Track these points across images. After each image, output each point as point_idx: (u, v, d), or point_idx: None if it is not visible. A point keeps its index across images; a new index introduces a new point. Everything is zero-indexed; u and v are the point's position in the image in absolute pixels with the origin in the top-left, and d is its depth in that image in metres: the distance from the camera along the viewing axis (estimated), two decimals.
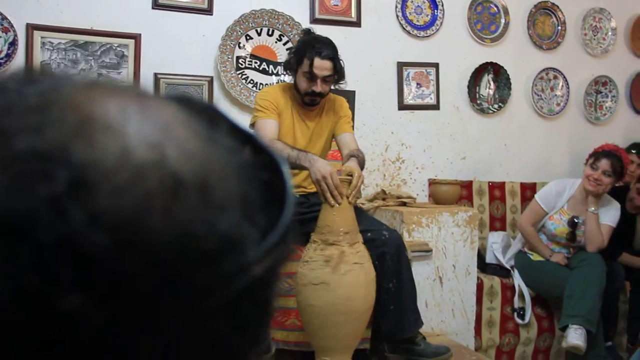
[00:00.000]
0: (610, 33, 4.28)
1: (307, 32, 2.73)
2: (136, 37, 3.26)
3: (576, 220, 3.30)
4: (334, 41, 2.61)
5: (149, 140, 0.27)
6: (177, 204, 0.27)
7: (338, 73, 2.58)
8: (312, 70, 2.52)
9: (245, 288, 0.29)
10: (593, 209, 3.26)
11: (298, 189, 2.70)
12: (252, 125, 2.61)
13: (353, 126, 3.46)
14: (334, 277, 2.10)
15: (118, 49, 3.23)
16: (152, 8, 3.30)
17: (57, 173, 0.25)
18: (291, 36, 3.47)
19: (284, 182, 0.33)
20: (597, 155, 3.26)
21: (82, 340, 0.25)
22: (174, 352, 0.27)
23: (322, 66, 2.52)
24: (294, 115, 2.67)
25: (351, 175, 2.26)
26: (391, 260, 2.49)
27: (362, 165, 2.51)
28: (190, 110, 0.32)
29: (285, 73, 3.07)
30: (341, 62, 2.59)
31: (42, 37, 3.09)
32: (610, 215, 3.33)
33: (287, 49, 3.21)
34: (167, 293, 0.26)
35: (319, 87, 2.54)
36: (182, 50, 3.35)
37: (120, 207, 0.26)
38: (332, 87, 2.65)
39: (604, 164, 3.20)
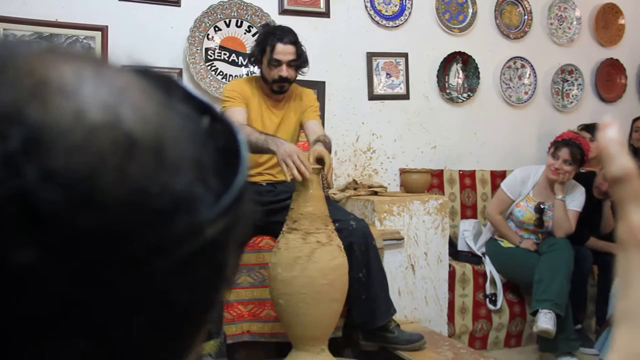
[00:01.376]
0: (575, 22, 4.34)
1: (266, 24, 2.81)
2: (103, 29, 3.21)
3: (542, 206, 3.35)
4: (303, 32, 2.66)
5: (103, 102, 0.28)
6: (130, 163, 0.27)
7: (300, 57, 2.63)
8: (276, 56, 2.57)
9: (198, 250, 0.29)
10: (560, 196, 3.32)
11: (265, 177, 2.71)
12: None
13: (323, 116, 3.51)
14: (306, 265, 2.11)
15: (84, 41, 3.19)
16: (119, 0, 3.26)
17: (11, 132, 0.25)
18: (259, 27, 3.45)
19: (238, 149, 0.33)
20: (558, 144, 3.31)
21: (35, 296, 0.26)
22: (125, 310, 0.28)
23: (285, 51, 2.59)
24: (262, 105, 2.69)
25: (320, 160, 2.30)
26: (359, 250, 2.50)
27: (328, 149, 2.53)
28: (147, 78, 0.33)
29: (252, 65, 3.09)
30: (302, 47, 2.65)
31: (4, 29, 3.03)
32: (576, 200, 3.39)
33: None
34: (120, 250, 0.27)
35: (284, 72, 2.59)
36: (150, 42, 3.31)
37: (74, 166, 0.26)
38: (297, 74, 2.69)
39: (564, 152, 3.25)
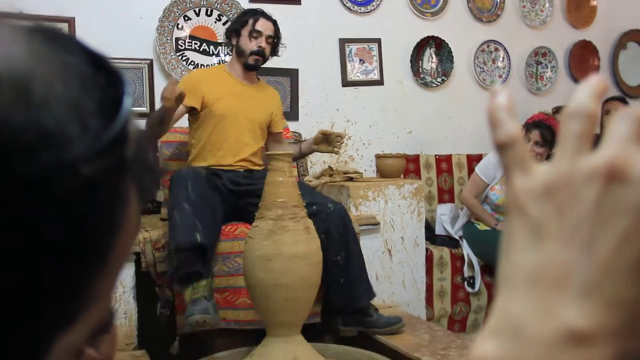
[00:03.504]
0: (547, 4, 4.35)
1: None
2: (70, 21, 3.17)
3: None
4: (274, 19, 2.79)
5: None
6: None
7: (277, 37, 2.79)
8: (258, 28, 2.72)
9: (74, 188, 0.29)
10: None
11: (243, 164, 2.75)
12: None
13: (297, 104, 3.60)
14: (279, 251, 2.10)
15: None
16: None
17: None
18: (230, 15, 3.42)
19: (122, 95, 0.33)
20: (528, 126, 3.33)
21: None
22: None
23: (266, 26, 2.75)
24: (225, 85, 2.77)
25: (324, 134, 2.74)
26: (337, 233, 2.51)
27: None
28: (29, 28, 0.33)
29: (227, 49, 3.25)
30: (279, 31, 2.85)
31: None
32: None
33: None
34: None
35: (263, 43, 2.73)
36: (119, 33, 3.27)
37: None
38: (270, 57, 2.84)
39: (535, 134, 3.27)
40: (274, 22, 2.78)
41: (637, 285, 0.29)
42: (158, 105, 3.31)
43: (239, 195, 2.62)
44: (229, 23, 3.35)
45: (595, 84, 0.32)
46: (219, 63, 3.38)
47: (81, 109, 0.30)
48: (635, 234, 0.29)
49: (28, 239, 0.28)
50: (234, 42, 2.79)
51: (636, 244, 0.29)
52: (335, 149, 2.82)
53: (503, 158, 0.33)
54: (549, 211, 0.30)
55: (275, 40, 2.79)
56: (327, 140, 2.81)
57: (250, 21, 2.72)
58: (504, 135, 0.33)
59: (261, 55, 2.75)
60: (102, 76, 0.33)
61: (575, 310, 0.29)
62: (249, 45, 2.73)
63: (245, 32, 2.73)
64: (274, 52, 2.82)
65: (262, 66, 2.92)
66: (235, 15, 3.03)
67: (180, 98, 2.39)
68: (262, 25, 2.73)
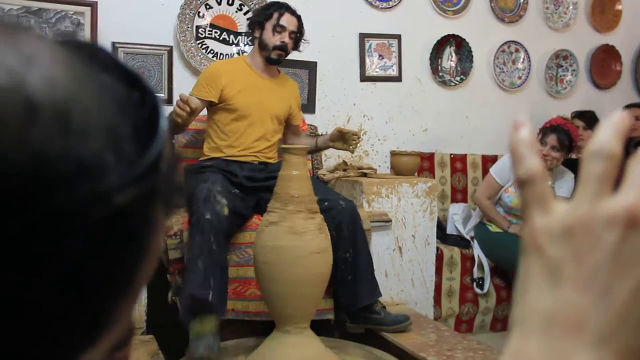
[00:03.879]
0: (571, 7, 4.31)
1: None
2: (92, 5, 3.18)
3: None
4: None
5: (8, 66, 0.28)
6: (31, 128, 0.27)
7: (300, 32, 2.78)
8: (282, 22, 2.71)
9: (107, 217, 0.29)
10: (549, 182, 3.30)
11: (258, 158, 2.76)
12: None
13: (314, 97, 3.60)
14: (290, 244, 2.11)
15: (74, 16, 3.15)
16: None
17: None
18: (251, 5, 3.42)
19: (158, 120, 0.33)
20: (546, 130, 3.30)
21: None
22: (30, 277, 0.28)
23: (291, 20, 2.74)
24: (246, 79, 2.76)
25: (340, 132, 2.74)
26: (347, 230, 2.51)
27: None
28: (68, 45, 0.33)
29: (247, 39, 3.27)
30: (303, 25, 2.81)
31: None
32: (564, 187, 3.39)
33: (247, 19, 3.18)
34: (18, 214, 0.27)
35: (287, 38, 2.72)
36: (141, 19, 3.28)
37: None
38: (291, 51, 2.83)
39: (552, 139, 3.24)
40: (299, 18, 2.77)
41: None
42: (176, 94, 3.33)
43: (253, 191, 2.62)
44: (250, 13, 3.36)
45: (619, 121, 0.32)
46: (238, 53, 3.38)
47: (117, 135, 0.31)
48: None
49: (58, 268, 0.28)
50: (257, 34, 2.78)
51: None
52: (351, 147, 2.82)
53: (523, 194, 0.34)
54: (567, 253, 0.31)
55: (298, 36, 2.78)
56: (343, 138, 2.81)
57: (275, 15, 2.71)
58: (525, 171, 0.34)
59: (284, 50, 2.74)
60: (137, 96, 0.33)
61: (589, 359, 0.29)
62: (272, 39, 2.72)
63: (269, 26, 2.72)
64: (296, 47, 2.81)
65: None
66: (259, 6, 3.03)
67: (193, 112, 2.45)
68: (287, 20, 2.72)
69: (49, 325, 0.29)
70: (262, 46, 2.75)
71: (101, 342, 0.32)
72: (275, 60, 2.76)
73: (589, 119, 3.95)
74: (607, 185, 0.31)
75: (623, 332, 0.29)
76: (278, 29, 2.70)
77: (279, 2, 2.80)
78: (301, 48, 2.86)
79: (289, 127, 2.94)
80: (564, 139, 3.22)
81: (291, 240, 2.12)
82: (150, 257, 0.33)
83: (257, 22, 2.77)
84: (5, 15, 3.02)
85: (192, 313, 2.24)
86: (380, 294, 2.62)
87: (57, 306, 0.29)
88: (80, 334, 0.30)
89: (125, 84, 0.33)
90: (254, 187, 2.63)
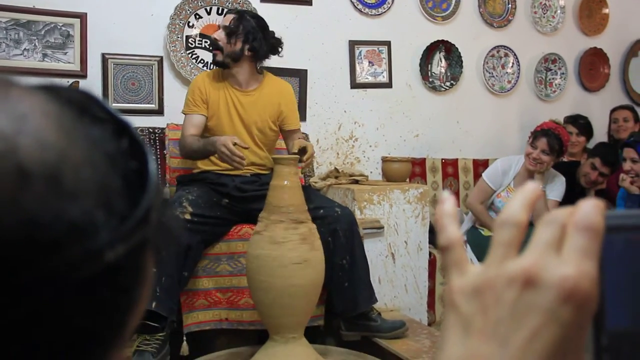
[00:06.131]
0: (559, 11, 4.34)
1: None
2: (82, 17, 3.18)
3: None
4: (284, 19, 2.73)
5: (1, 131, 0.28)
6: (23, 193, 0.28)
7: (239, 28, 2.63)
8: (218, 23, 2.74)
9: (97, 274, 0.30)
10: (540, 187, 3.32)
11: (251, 170, 2.71)
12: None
13: (305, 105, 3.53)
14: (282, 254, 2.11)
15: (63, 28, 3.16)
16: None
17: None
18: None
19: (147, 170, 0.34)
20: (537, 134, 3.32)
21: None
22: (22, 333, 0.28)
23: (224, 19, 2.69)
24: (226, 93, 2.70)
25: (303, 149, 2.41)
26: (344, 237, 2.51)
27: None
28: (59, 99, 0.33)
29: None
30: (254, 31, 2.64)
31: None
32: (555, 190, 3.41)
33: None
34: (8, 279, 0.27)
35: (219, 34, 2.64)
36: (130, 29, 3.28)
37: None
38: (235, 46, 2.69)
39: (542, 142, 3.26)
40: (236, 13, 2.68)
41: None
42: (167, 104, 3.33)
43: (244, 201, 2.60)
44: None
45: (528, 193, 0.38)
46: None
47: (108, 191, 0.31)
48: (543, 331, 0.33)
49: (51, 325, 0.29)
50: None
51: (544, 339, 0.33)
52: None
53: (444, 258, 0.38)
54: (476, 309, 0.35)
55: (235, 30, 2.62)
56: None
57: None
58: (445, 239, 0.38)
59: (217, 48, 2.63)
60: (126, 146, 0.34)
61: None
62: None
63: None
64: (244, 43, 2.62)
65: (271, 66, 2.91)
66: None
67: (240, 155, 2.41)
68: (222, 20, 2.71)
69: None
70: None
71: None
72: (214, 62, 2.69)
73: (582, 126, 3.98)
74: (513, 249, 0.36)
75: None
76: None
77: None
78: (289, 55, 2.78)
79: (285, 132, 2.81)
80: (554, 143, 3.24)
81: (285, 252, 2.12)
82: (140, 303, 0.34)
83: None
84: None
85: (138, 328, 2.21)
86: (376, 300, 2.63)
87: (55, 359, 0.29)
88: None
89: (115, 134, 0.34)
90: (244, 197, 2.60)
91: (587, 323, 0.34)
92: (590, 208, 0.35)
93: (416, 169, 3.85)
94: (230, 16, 2.67)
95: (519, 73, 4.22)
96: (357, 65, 3.78)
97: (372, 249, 2.97)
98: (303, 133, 3.35)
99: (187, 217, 2.38)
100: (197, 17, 3.40)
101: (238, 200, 2.60)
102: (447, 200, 0.40)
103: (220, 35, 2.64)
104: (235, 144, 2.40)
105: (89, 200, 0.30)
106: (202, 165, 2.72)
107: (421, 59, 3.91)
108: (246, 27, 2.63)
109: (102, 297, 0.30)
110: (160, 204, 0.34)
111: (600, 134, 4.22)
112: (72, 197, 0.29)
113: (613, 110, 4.25)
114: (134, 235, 0.31)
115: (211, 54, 2.68)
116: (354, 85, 3.78)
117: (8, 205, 0.27)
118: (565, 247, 0.35)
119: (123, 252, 0.30)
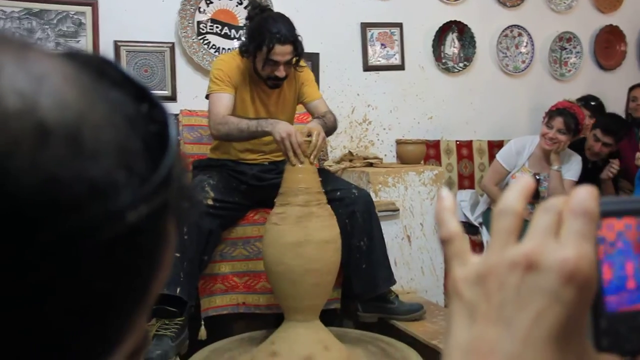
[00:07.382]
0: None
1: (258, 7, 2.55)
2: (93, 4, 3.19)
3: (538, 177, 3.34)
4: (296, 3, 2.59)
5: (20, 89, 0.28)
6: (43, 150, 0.27)
7: (297, 51, 2.46)
8: (274, 57, 2.39)
9: (119, 235, 0.29)
10: (556, 166, 3.30)
11: (268, 158, 2.68)
12: (208, 96, 2.54)
13: (318, 89, 3.47)
14: (299, 237, 2.11)
15: (75, 16, 3.16)
16: None
17: None
18: (254, 9, 3.39)
19: (167, 134, 0.34)
20: (552, 113, 3.29)
21: None
22: (39, 295, 0.28)
23: (283, 52, 2.40)
24: (252, 87, 2.59)
25: (310, 135, 2.26)
26: (362, 218, 2.51)
27: (331, 125, 2.55)
28: (76, 62, 0.33)
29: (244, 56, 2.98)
30: (300, 38, 2.47)
31: None
32: (572, 170, 3.38)
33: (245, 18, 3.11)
34: (31, 237, 0.27)
35: (281, 72, 2.44)
36: (142, 16, 3.28)
37: None
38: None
39: (558, 122, 3.23)
40: (293, 42, 2.41)
41: (552, 355, 0.34)
42: (180, 91, 3.32)
43: (262, 189, 2.54)
44: (249, 8, 3.33)
45: (524, 185, 0.39)
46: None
47: (128, 152, 0.31)
48: (547, 312, 0.34)
49: (73, 287, 0.28)
50: (250, 58, 2.50)
51: (548, 320, 0.34)
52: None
53: (445, 250, 0.39)
54: (480, 295, 0.36)
55: (296, 59, 2.50)
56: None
57: (265, 49, 2.37)
58: (446, 232, 0.39)
59: (280, 80, 2.49)
60: (146, 109, 0.33)
61: None
62: (264, 71, 2.45)
63: (260, 57, 2.43)
64: (297, 63, 2.55)
65: None
66: (251, 25, 2.53)
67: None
68: (279, 52, 2.38)
69: (65, 341, 0.29)
70: (256, 70, 2.50)
71: (117, 353, 0.32)
72: (272, 87, 2.54)
73: (594, 108, 3.93)
74: (512, 237, 0.37)
75: (527, 355, 0.34)
76: (270, 63, 2.41)
77: (268, 26, 2.38)
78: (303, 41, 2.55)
79: (305, 107, 2.72)
80: (570, 122, 3.21)
81: (310, 232, 2.11)
82: (163, 269, 0.34)
83: (247, 50, 2.48)
84: (13, 33, 3.02)
85: (156, 313, 2.23)
86: (395, 282, 2.62)
87: (73, 323, 0.29)
88: (96, 347, 0.31)
89: (134, 98, 0.33)
90: (262, 185, 2.57)
91: (588, 304, 0.35)
92: (584, 194, 0.36)
93: (430, 151, 3.83)
94: (288, 47, 2.40)
95: (533, 53, 4.18)
96: (369, 47, 3.75)
97: (388, 231, 2.96)
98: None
99: (210, 202, 2.38)
100: (208, 2, 3.39)
101: (256, 188, 2.58)
102: (446, 197, 0.41)
103: (287, 70, 2.47)
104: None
105: (109, 160, 0.29)
106: (217, 153, 2.69)
107: (434, 40, 3.88)
108: (299, 48, 2.47)
109: (123, 261, 0.30)
110: (181, 169, 0.34)
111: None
112: (93, 157, 0.29)
113: (632, 89, 4.19)
114: (155, 197, 0.31)
115: (271, 83, 2.50)
116: (367, 68, 3.76)
117: (28, 162, 0.27)
118: (563, 232, 0.36)
119: (145, 213, 0.30)
